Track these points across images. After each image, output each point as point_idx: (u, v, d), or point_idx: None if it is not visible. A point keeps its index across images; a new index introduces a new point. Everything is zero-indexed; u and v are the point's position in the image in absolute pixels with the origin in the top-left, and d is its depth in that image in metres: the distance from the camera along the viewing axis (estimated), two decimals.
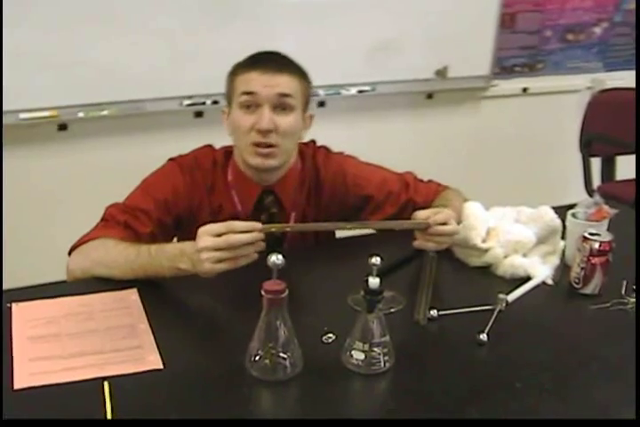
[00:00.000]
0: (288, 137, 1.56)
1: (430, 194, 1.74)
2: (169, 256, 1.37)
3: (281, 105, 1.53)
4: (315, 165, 1.72)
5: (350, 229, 1.47)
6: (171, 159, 1.67)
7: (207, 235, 1.28)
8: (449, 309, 1.35)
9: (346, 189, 1.72)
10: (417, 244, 1.45)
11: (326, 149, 1.75)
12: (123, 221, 1.55)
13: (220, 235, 1.27)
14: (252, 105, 1.53)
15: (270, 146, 1.54)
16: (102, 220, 1.57)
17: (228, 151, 1.67)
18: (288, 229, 1.44)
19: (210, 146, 1.71)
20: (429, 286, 1.32)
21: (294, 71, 1.56)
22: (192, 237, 1.54)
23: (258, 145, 1.54)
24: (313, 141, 1.74)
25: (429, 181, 1.80)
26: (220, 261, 1.27)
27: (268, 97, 1.51)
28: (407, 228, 1.46)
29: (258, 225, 1.29)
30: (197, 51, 2.77)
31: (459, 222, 1.60)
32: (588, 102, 3.32)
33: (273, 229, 1.36)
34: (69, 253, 1.53)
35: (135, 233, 1.54)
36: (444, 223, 1.42)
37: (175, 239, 1.69)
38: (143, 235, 1.55)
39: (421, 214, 1.44)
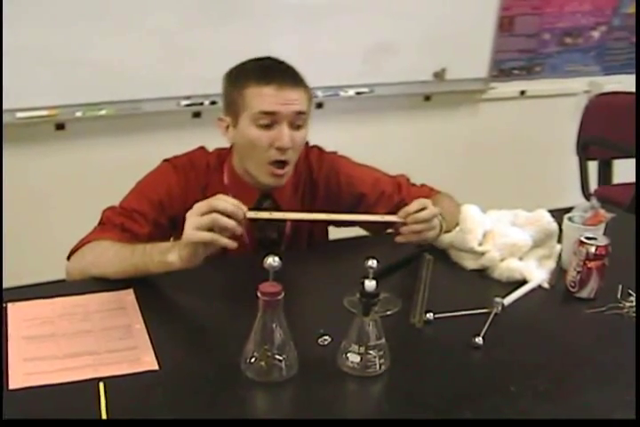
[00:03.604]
0: (299, 151, 1.58)
1: (422, 198, 1.73)
2: (161, 250, 1.37)
3: (296, 121, 1.52)
4: (308, 165, 1.72)
5: (328, 219, 1.49)
6: (165, 160, 1.67)
7: (196, 206, 1.30)
8: (445, 312, 1.35)
9: (339, 188, 1.72)
10: (399, 239, 1.46)
11: (319, 149, 1.75)
12: (119, 223, 1.55)
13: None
14: (270, 123, 1.51)
15: (285, 163, 1.54)
16: (99, 223, 1.58)
17: (221, 154, 1.67)
18: (267, 216, 1.44)
19: (203, 148, 1.70)
20: (425, 288, 1.32)
21: (301, 83, 1.54)
22: None
23: (274, 164, 1.54)
24: (306, 142, 1.74)
25: (422, 185, 1.80)
26: (202, 229, 1.27)
27: (286, 115, 1.50)
28: (384, 220, 1.48)
29: (243, 208, 1.32)
30: (196, 51, 2.77)
31: (455, 225, 1.61)
32: (585, 106, 3.33)
33: (250, 215, 1.37)
34: (68, 258, 1.53)
35: (133, 235, 1.54)
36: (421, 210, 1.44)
37: (172, 240, 1.69)
38: (141, 236, 1.55)
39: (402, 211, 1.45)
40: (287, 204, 1.67)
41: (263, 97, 1.49)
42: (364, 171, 1.76)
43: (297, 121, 1.53)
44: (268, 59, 1.57)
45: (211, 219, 1.27)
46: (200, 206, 1.29)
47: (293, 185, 1.69)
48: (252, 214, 1.35)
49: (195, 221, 1.28)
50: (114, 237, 1.51)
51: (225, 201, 1.30)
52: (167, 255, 1.35)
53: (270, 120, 1.50)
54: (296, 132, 1.53)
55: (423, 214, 1.44)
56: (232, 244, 1.29)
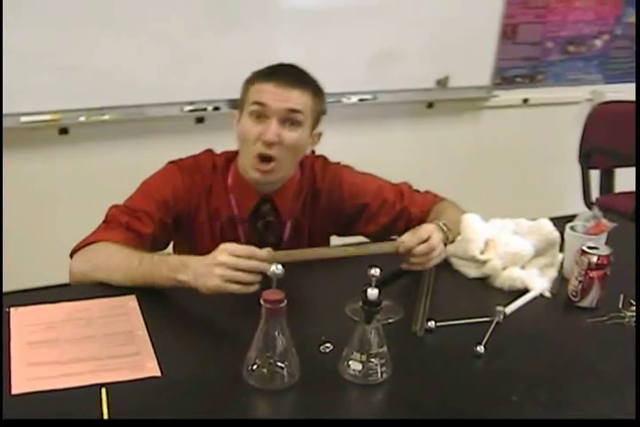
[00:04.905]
0: (291, 151, 1.57)
1: (426, 205, 1.75)
2: (170, 267, 1.37)
3: (289, 120, 1.54)
4: (312, 175, 1.73)
5: (344, 255, 1.50)
6: (171, 162, 1.68)
7: (228, 252, 1.28)
8: (447, 320, 1.35)
9: (342, 198, 1.73)
10: (405, 266, 1.49)
11: (324, 159, 1.76)
12: (124, 222, 1.56)
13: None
14: (261, 115, 1.54)
15: (271, 159, 1.55)
16: (104, 222, 1.58)
17: (229, 156, 1.68)
18: (287, 258, 1.46)
19: (210, 150, 1.72)
20: (427, 297, 1.32)
21: (308, 87, 1.57)
22: (189, 239, 1.54)
23: (260, 158, 1.55)
24: (312, 151, 1.75)
25: (426, 192, 1.81)
26: (230, 281, 1.27)
27: (277, 110, 1.52)
28: (384, 253, 1.49)
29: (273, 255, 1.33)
30: (199, 57, 2.78)
31: (457, 234, 1.61)
32: (587, 114, 3.33)
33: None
34: (71, 255, 1.53)
35: (137, 235, 1.55)
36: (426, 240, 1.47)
37: (172, 242, 1.70)
38: (145, 236, 1.56)
39: (403, 238, 1.48)
40: (287, 209, 1.69)
41: (261, 92, 1.54)
42: (366, 180, 1.77)
43: (289, 120, 1.54)
44: (288, 65, 1.60)
45: (247, 265, 1.27)
46: (230, 261, 1.27)
47: (295, 192, 1.70)
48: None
49: (223, 273, 1.27)
50: (118, 236, 1.52)
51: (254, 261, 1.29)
52: (178, 274, 1.34)
53: (260, 111, 1.54)
54: (287, 132, 1.54)
55: (421, 249, 1.47)
56: (255, 289, 1.27)
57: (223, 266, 1.27)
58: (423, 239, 1.47)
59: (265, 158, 1.55)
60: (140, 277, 1.41)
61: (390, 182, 1.78)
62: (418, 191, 1.80)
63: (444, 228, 1.55)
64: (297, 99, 1.54)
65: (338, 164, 1.77)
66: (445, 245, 1.56)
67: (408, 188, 1.79)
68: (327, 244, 1.82)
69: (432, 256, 1.49)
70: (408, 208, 1.72)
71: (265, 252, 1.31)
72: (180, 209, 1.63)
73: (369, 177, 1.78)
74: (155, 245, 1.59)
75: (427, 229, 1.49)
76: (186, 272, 1.33)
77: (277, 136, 1.53)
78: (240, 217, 1.67)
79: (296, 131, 1.56)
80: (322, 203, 1.72)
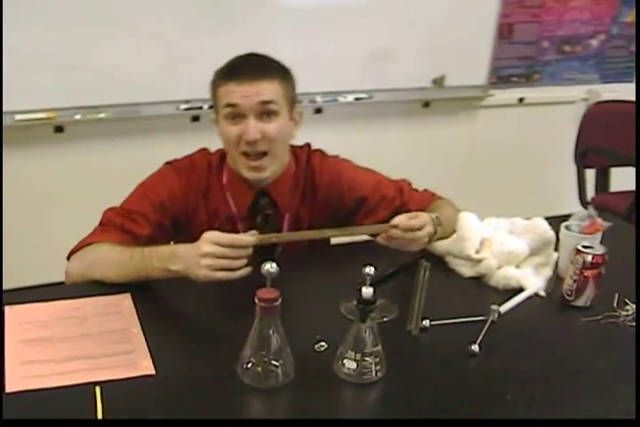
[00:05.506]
0: (277, 142, 1.57)
1: (424, 203, 1.74)
2: (160, 257, 1.38)
3: (265, 112, 1.53)
4: (310, 168, 1.72)
5: (331, 236, 1.52)
6: (167, 163, 1.68)
7: (211, 242, 1.30)
8: (441, 319, 1.35)
9: (341, 191, 1.72)
10: (378, 239, 1.51)
11: (321, 152, 1.76)
12: (119, 224, 1.56)
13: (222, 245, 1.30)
14: (236, 116, 1.53)
15: (261, 154, 1.55)
16: (100, 224, 1.58)
17: (223, 154, 1.68)
18: (274, 240, 1.47)
19: (205, 149, 1.72)
20: (422, 295, 1.32)
21: (272, 75, 1.55)
22: (189, 240, 1.54)
23: (248, 155, 1.55)
24: (308, 145, 1.75)
25: (424, 191, 1.81)
26: (218, 269, 1.29)
27: (250, 107, 1.52)
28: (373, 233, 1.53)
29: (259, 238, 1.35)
30: (195, 55, 2.77)
31: (452, 231, 1.61)
32: (583, 114, 3.33)
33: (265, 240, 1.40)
34: (68, 258, 1.53)
35: (133, 236, 1.55)
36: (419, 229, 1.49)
37: (172, 243, 1.70)
38: (141, 237, 1.55)
39: (398, 218, 1.48)
40: (284, 201, 1.68)
41: (229, 93, 1.53)
42: (365, 174, 1.77)
43: (265, 111, 1.53)
44: (247, 55, 1.60)
45: (225, 264, 1.30)
46: (214, 251, 1.30)
47: (292, 185, 1.70)
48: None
49: (209, 264, 1.29)
50: (114, 237, 1.52)
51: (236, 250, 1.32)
52: (169, 264, 1.36)
53: (235, 113, 1.53)
54: (267, 124, 1.54)
55: (412, 223, 1.47)
56: (240, 274, 1.30)
57: (208, 256, 1.29)
58: (423, 226, 1.49)
59: (252, 156, 1.56)
60: (133, 270, 1.41)
61: (390, 178, 1.78)
62: (416, 190, 1.80)
63: (436, 221, 1.55)
64: (265, 90, 1.52)
65: (336, 157, 1.77)
66: (433, 240, 1.57)
67: (407, 185, 1.79)
68: (327, 241, 1.81)
69: (421, 234, 1.49)
70: (407, 204, 1.72)
71: (249, 236, 1.34)
72: (178, 210, 1.63)
73: (368, 172, 1.78)
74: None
75: (426, 218, 1.51)
76: (176, 262, 1.35)
77: (259, 133, 1.52)
78: (239, 215, 1.66)
79: (275, 121, 1.55)
80: (320, 197, 1.72)
